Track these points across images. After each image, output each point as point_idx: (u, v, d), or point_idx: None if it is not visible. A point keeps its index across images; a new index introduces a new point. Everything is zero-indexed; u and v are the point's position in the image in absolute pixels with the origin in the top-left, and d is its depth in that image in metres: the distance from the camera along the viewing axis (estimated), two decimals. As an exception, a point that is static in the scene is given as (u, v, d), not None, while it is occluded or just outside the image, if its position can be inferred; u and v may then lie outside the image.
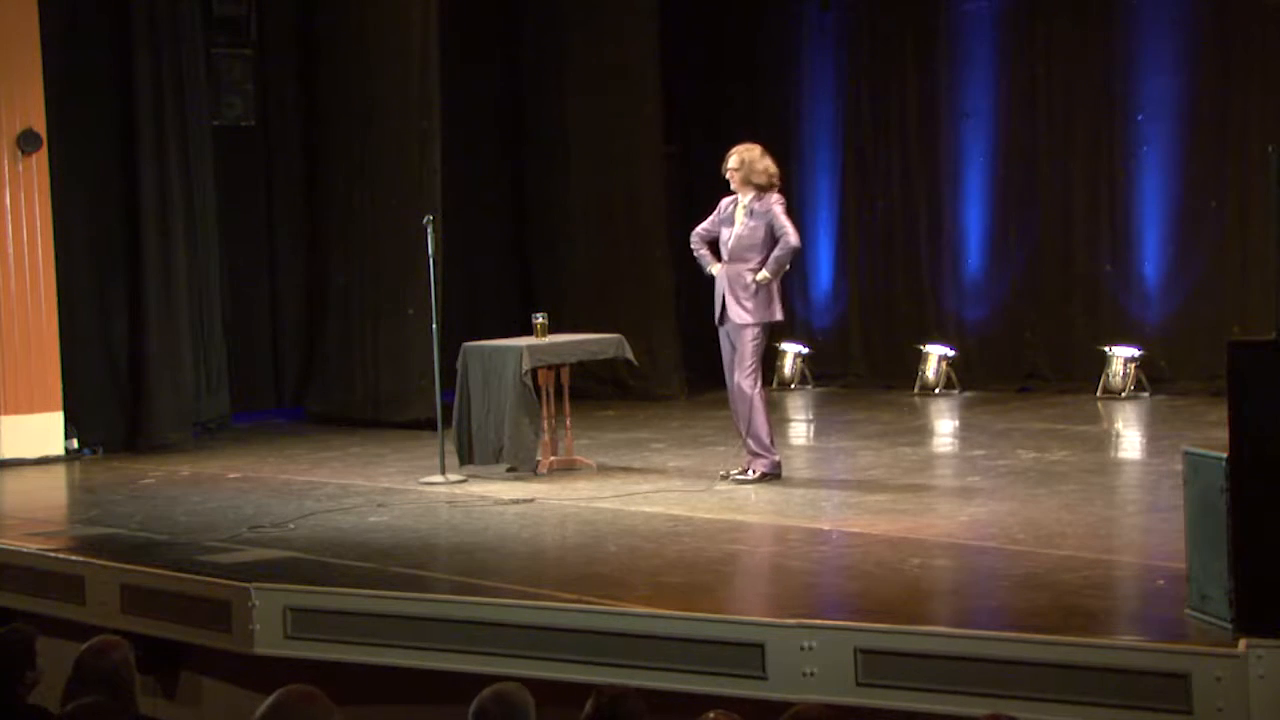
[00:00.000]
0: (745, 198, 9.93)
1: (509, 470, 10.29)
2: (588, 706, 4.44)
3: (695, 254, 10.14)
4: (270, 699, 4.20)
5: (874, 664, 6.12)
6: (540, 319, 10.65)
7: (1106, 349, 13.28)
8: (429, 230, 10.38)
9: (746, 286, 9.79)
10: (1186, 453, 6.10)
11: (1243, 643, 5.57)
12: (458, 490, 9.98)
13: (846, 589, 7.31)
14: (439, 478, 10.21)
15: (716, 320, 9.97)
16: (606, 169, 14.77)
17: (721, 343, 10.00)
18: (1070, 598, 6.62)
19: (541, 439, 10.43)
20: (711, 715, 4.32)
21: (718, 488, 9.67)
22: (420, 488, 10.09)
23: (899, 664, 6.09)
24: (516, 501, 9.44)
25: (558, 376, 10.65)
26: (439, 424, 10.47)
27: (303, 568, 7.89)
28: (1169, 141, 13.26)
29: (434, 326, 10.48)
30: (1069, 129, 13.77)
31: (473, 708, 4.43)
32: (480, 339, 10.88)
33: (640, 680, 6.42)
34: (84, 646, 4.99)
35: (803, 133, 15.29)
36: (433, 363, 10.57)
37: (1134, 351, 13.20)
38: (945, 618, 6.67)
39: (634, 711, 4.44)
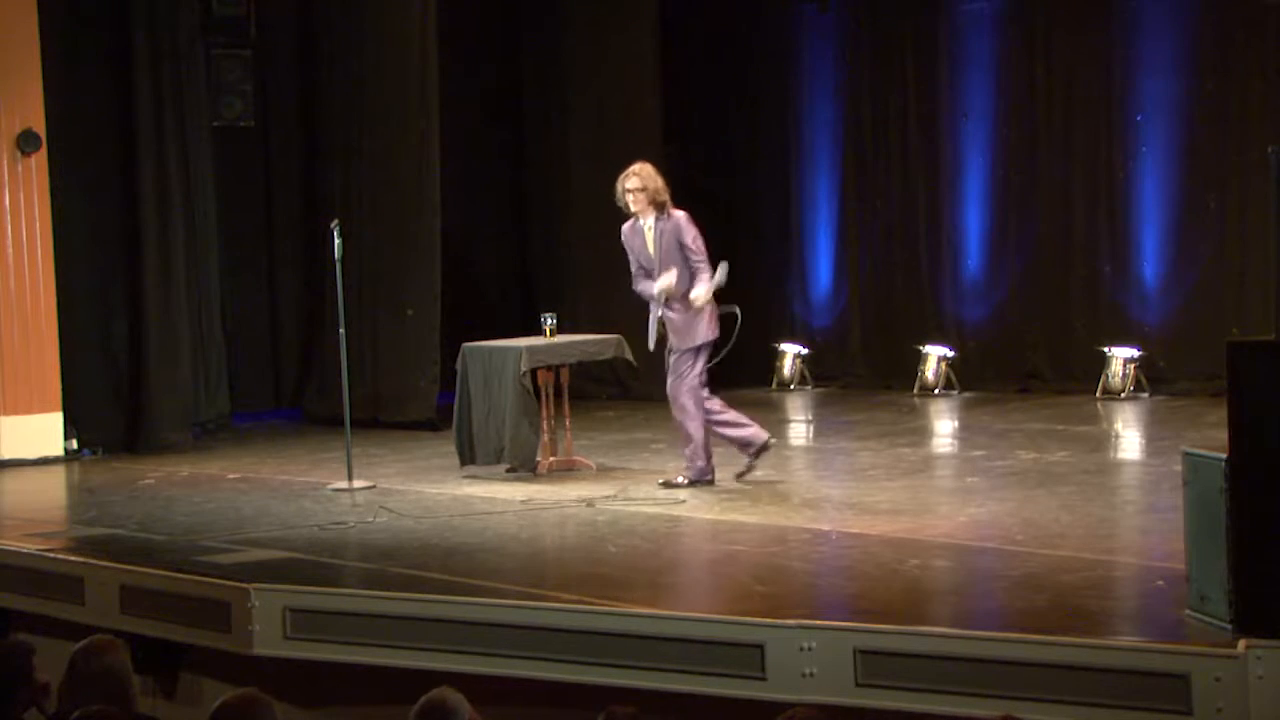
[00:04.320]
0: (648, 219, 9.65)
1: (509, 471, 10.29)
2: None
3: (643, 294, 9.76)
4: (213, 708, 4.21)
5: (873, 664, 6.12)
6: (549, 320, 10.65)
7: (1106, 349, 13.28)
8: (335, 235, 10.36)
9: (686, 311, 9.57)
10: (1186, 453, 6.10)
11: (1242, 643, 5.57)
12: (459, 491, 9.99)
13: (846, 589, 7.30)
14: (344, 484, 10.18)
15: (663, 346, 9.65)
16: (606, 169, 14.71)
17: (669, 360, 9.71)
18: (1070, 598, 6.61)
19: (541, 439, 10.43)
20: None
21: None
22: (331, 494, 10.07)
23: (898, 664, 6.08)
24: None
25: (557, 377, 10.66)
26: (347, 424, 10.42)
27: (302, 568, 7.88)
28: (1168, 142, 13.25)
29: (341, 331, 10.50)
30: (1068, 129, 13.77)
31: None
32: (480, 339, 10.88)
33: (639, 681, 6.43)
34: (76, 647, 4.95)
35: (802, 133, 15.30)
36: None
37: (1133, 352, 13.20)
38: (945, 618, 6.66)
39: None
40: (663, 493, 9.55)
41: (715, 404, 9.81)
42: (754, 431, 9.83)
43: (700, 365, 9.68)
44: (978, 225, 14.27)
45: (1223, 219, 12.95)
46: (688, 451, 9.78)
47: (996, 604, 6.86)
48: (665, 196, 9.65)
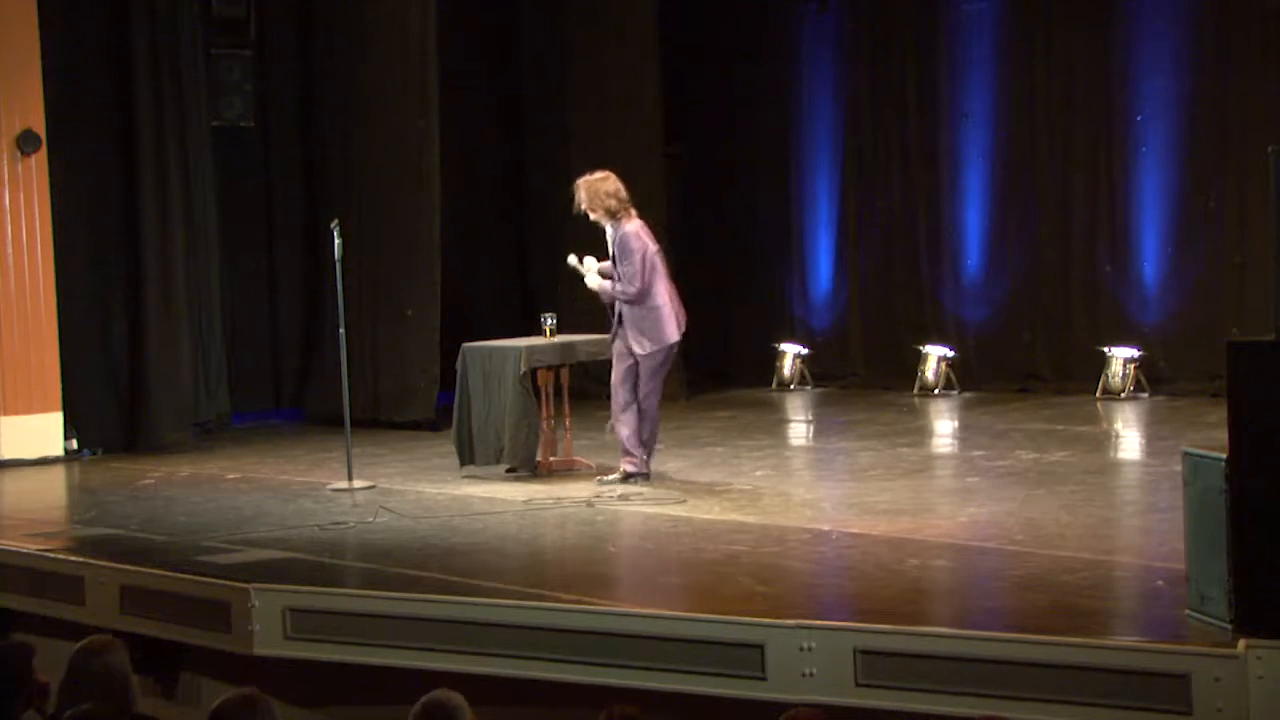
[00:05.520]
0: (607, 228, 9.97)
1: (509, 471, 10.29)
2: (599, 720, 4.43)
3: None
4: (211, 708, 4.21)
5: (873, 664, 6.12)
6: (549, 320, 10.66)
7: (1106, 349, 13.28)
8: (335, 235, 10.37)
9: (636, 318, 9.84)
10: (1186, 453, 6.10)
11: (1242, 643, 5.57)
12: (458, 491, 9.99)
13: (846, 589, 7.31)
14: (344, 484, 10.20)
15: (611, 337, 10.04)
16: (606, 169, 14.73)
17: (615, 351, 10.00)
18: (1070, 598, 6.61)
19: (541, 439, 10.43)
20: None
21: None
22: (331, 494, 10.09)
23: (898, 664, 6.09)
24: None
25: (557, 377, 10.66)
26: (347, 426, 10.47)
27: (302, 568, 7.88)
28: (1168, 142, 13.26)
29: (341, 331, 10.51)
30: (1068, 129, 13.78)
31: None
32: (480, 339, 10.88)
33: (640, 681, 6.43)
34: (76, 647, 4.96)
35: (803, 133, 15.30)
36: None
37: (1133, 352, 13.21)
38: (945, 618, 6.67)
39: None
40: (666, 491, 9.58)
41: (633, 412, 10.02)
42: (643, 462, 10.04)
43: (665, 370, 10.01)
44: (978, 225, 14.28)
45: (1222, 219, 12.96)
46: (646, 442, 10.04)
47: (996, 604, 6.86)
48: (612, 204, 9.89)
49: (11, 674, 4.95)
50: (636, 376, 9.93)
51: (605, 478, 10.02)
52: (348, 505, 9.62)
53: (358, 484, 10.15)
